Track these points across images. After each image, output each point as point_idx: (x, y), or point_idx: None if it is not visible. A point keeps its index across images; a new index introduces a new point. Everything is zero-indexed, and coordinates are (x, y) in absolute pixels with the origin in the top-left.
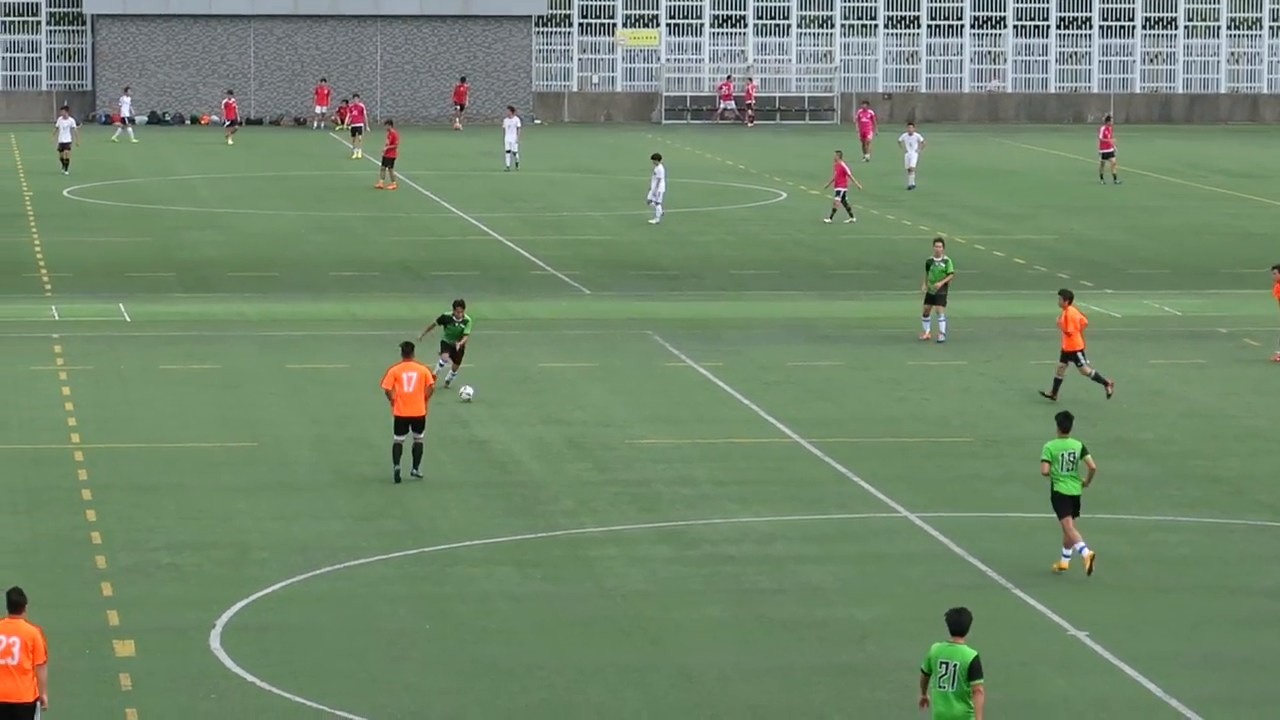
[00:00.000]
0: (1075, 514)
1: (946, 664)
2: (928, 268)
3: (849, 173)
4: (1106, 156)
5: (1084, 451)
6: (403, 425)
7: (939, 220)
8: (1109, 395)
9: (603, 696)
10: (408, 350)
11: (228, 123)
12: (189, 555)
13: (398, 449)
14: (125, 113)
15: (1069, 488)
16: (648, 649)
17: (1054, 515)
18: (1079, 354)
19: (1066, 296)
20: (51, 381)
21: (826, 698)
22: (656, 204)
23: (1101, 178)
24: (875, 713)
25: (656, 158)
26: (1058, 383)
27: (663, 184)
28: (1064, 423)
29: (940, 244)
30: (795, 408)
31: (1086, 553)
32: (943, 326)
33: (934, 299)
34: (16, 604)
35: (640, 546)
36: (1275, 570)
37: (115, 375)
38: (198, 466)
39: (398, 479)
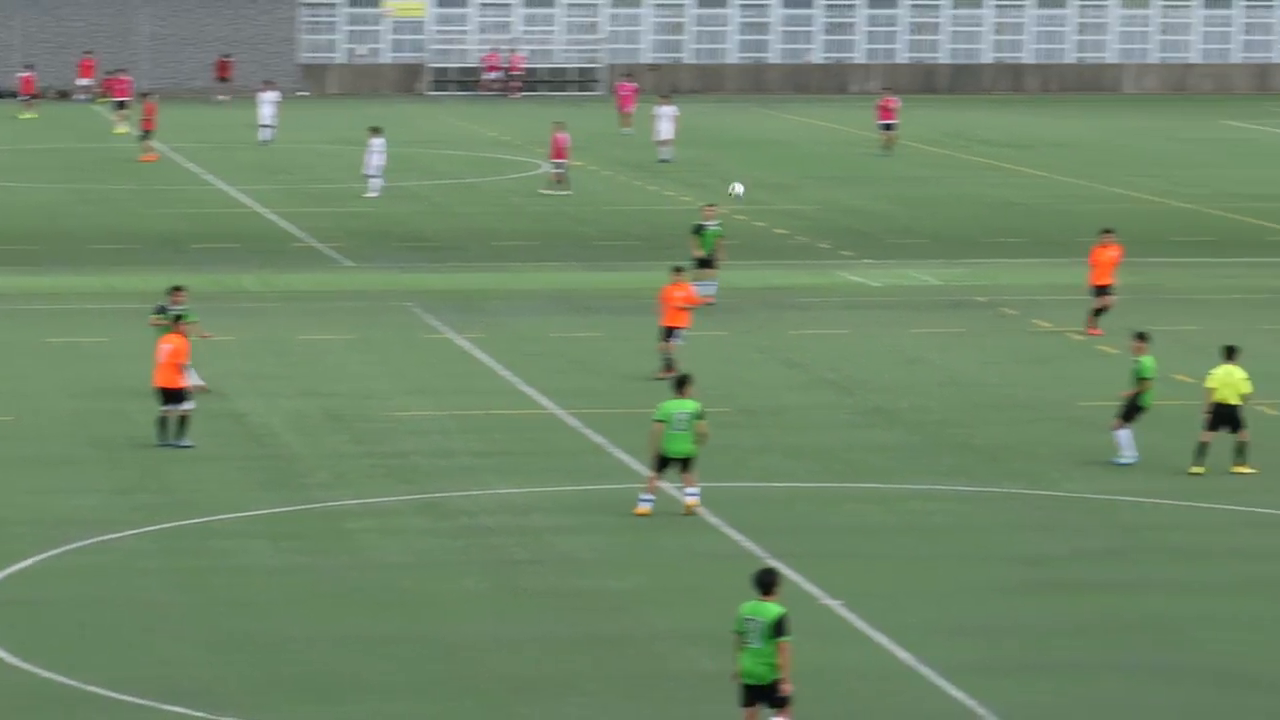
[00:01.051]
0: (686, 469)
1: (752, 621)
2: (697, 232)
3: (565, 146)
4: (887, 128)
5: (699, 415)
6: (159, 396)
7: (701, 190)
8: (659, 378)
9: (358, 667)
10: (175, 320)
11: (25, 97)
12: None
13: (160, 420)
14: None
15: (678, 447)
16: (404, 620)
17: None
18: (678, 331)
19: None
20: None
21: (584, 668)
22: (374, 177)
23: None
24: (632, 682)
25: (375, 130)
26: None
27: (380, 156)
28: (680, 384)
29: (712, 208)
30: (555, 379)
31: (645, 508)
32: (713, 289)
33: (706, 263)
34: None
35: (397, 518)
36: (1028, 538)
37: None
38: None
39: (158, 444)
